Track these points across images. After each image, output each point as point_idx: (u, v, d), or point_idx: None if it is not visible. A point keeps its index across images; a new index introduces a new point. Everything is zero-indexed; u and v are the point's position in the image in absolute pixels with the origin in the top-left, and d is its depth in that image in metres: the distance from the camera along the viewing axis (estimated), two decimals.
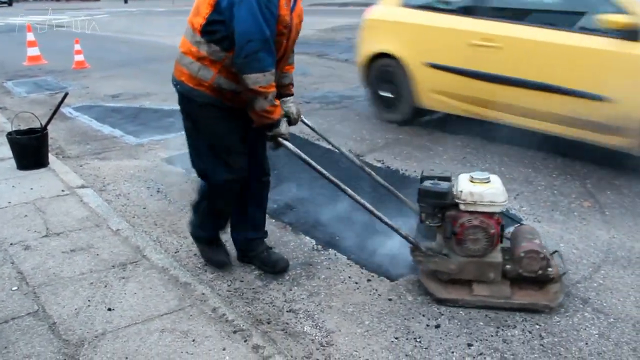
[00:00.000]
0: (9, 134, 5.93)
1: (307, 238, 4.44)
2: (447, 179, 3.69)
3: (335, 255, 4.18)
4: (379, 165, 6.03)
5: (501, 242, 3.50)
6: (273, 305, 3.58)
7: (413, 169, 5.84)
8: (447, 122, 7.54)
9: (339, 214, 4.82)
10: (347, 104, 8.89)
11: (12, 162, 5.91)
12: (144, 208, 5.07)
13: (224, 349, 3.02)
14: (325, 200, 5.13)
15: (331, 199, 5.13)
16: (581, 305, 3.51)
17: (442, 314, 3.46)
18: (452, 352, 3.12)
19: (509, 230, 4.07)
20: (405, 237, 3.62)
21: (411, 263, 3.97)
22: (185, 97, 3.52)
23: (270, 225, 4.64)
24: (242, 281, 3.86)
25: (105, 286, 3.63)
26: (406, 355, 3.10)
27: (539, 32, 5.60)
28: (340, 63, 12.76)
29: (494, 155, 6.17)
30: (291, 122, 3.92)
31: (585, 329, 3.30)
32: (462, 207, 3.43)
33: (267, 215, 4.83)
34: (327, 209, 4.93)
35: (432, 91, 6.78)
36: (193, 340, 3.08)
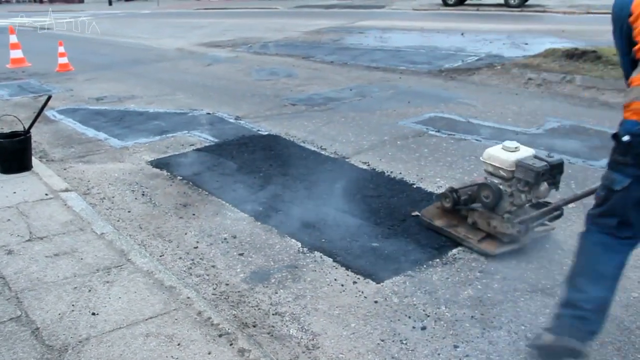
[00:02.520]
0: None
1: (293, 241, 4.44)
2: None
3: (321, 257, 4.18)
4: (364, 167, 6.05)
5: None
6: (259, 309, 3.57)
7: (399, 171, 5.86)
8: (431, 122, 7.57)
9: (325, 216, 4.82)
10: (332, 106, 8.90)
11: None
12: (129, 211, 5.04)
13: (209, 353, 3.00)
14: (311, 202, 5.14)
15: (317, 201, 5.15)
16: None
17: (428, 316, 3.46)
18: (439, 354, 3.13)
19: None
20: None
21: (396, 265, 3.99)
22: None
23: (255, 228, 4.64)
24: (227, 284, 3.84)
25: (90, 290, 3.59)
26: (392, 358, 3.10)
27: None
28: (326, 65, 12.76)
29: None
30: None
31: None
32: None
33: (252, 217, 4.84)
34: (313, 211, 4.94)
35: None
36: (178, 344, 3.06)
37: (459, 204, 4.48)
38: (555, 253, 4.19)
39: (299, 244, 4.37)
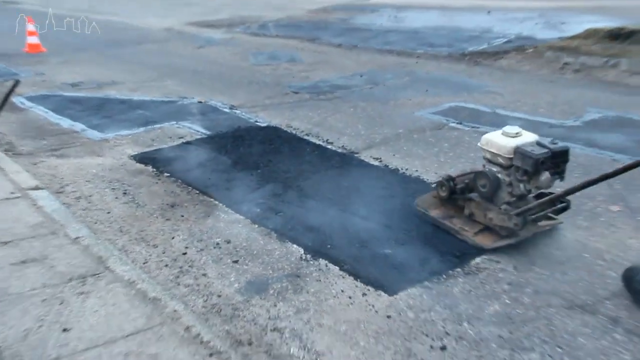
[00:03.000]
0: None
1: (295, 246, 4.41)
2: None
3: (327, 265, 4.15)
4: (375, 163, 6.02)
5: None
6: (255, 324, 3.54)
7: (414, 168, 5.83)
8: (452, 113, 7.53)
9: (331, 219, 4.80)
10: (340, 94, 8.87)
11: None
12: (108, 212, 5.03)
13: None
14: (315, 203, 5.12)
15: (322, 202, 5.12)
16: (611, 326, 3.48)
17: (449, 334, 3.42)
18: None
19: None
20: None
21: (412, 275, 3.97)
22: None
23: (252, 232, 4.62)
24: (219, 296, 3.81)
25: (61, 303, 3.56)
26: None
27: None
28: (333, 48, 12.75)
29: None
30: None
31: (615, 354, 3.27)
32: None
33: (248, 219, 4.82)
34: (317, 212, 4.91)
35: None
36: None
37: (455, 193, 4.62)
38: (596, 264, 4.14)
39: (302, 250, 4.35)
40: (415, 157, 6.15)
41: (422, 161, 6.02)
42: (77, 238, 4.35)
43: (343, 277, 4.01)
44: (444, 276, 4.01)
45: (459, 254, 4.26)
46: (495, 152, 4.37)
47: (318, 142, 6.68)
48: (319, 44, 13.35)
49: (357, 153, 6.32)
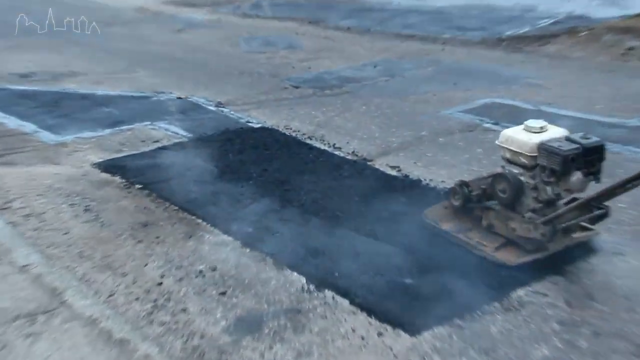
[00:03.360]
0: None
1: (295, 274, 4.39)
2: None
3: (334, 298, 4.13)
4: (393, 173, 6.01)
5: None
6: None
7: (440, 179, 5.81)
8: (486, 111, 7.51)
9: (340, 241, 4.79)
10: (350, 88, 8.88)
11: None
12: (66, 233, 5.01)
13: None
14: (320, 221, 5.10)
15: (328, 220, 5.11)
16: None
17: None
18: None
19: None
20: None
21: (439, 311, 3.94)
22: None
23: (243, 257, 4.62)
24: (203, 336, 3.79)
25: (3, 347, 3.54)
26: None
27: None
28: (341, 32, 12.79)
29: None
30: None
31: None
32: None
33: (238, 241, 4.80)
34: (322, 233, 4.91)
35: None
36: None
37: (470, 201, 4.66)
38: None
39: (303, 280, 4.33)
40: (442, 166, 6.13)
41: (450, 170, 6.00)
42: (25, 266, 4.35)
43: (354, 313, 3.99)
44: (479, 312, 3.97)
45: (496, 285, 4.22)
46: (517, 150, 4.43)
47: (323, 147, 6.68)
48: (324, 28, 13.39)
49: (370, 160, 6.32)
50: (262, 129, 7.28)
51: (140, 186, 5.82)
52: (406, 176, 5.93)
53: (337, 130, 7.18)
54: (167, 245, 4.80)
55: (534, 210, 4.38)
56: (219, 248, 4.75)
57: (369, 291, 4.18)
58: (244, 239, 4.85)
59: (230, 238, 4.88)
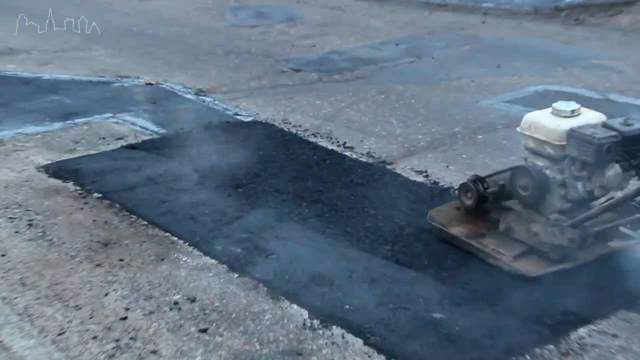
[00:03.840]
0: None
1: (295, 307, 4.41)
2: None
3: (343, 337, 4.15)
4: (419, 179, 6.05)
5: None
6: None
7: None
8: (539, 100, 7.52)
9: (351, 264, 4.81)
10: (365, 72, 8.89)
11: None
12: (3, 255, 5.03)
13: None
14: (326, 239, 5.13)
15: (336, 237, 5.14)
16: None
17: None
18: None
19: None
20: None
21: (476, 353, 3.95)
22: None
23: (229, 284, 4.62)
24: None
25: None
26: None
27: None
28: (353, 2, 12.78)
29: None
30: None
31: None
32: None
33: (223, 265, 4.81)
34: (328, 254, 4.94)
35: None
36: None
37: (486, 200, 4.78)
38: None
39: (305, 313, 4.35)
40: (481, 171, 6.10)
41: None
42: None
43: (369, 356, 4.00)
44: (528, 356, 3.98)
45: (550, 322, 4.23)
46: (542, 138, 4.53)
47: (331, 147, 6.72)
48: None
49: (390, 163, 6.36)
50: (254, 123, 7.33)
51: (99, 195, 5.85)
52: (435, 183, 5.97)
53: (348, 126, 7.22)
54: (134, 269, 4.81)
55: (561, 212, 4.47)
56: (199, 273, 4.76)
57: (387, 328, 4.20)
58: (230, 262, 4.87)
59: (213, 261, 4.90)
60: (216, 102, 7.96)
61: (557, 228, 4.40)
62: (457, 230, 4.83)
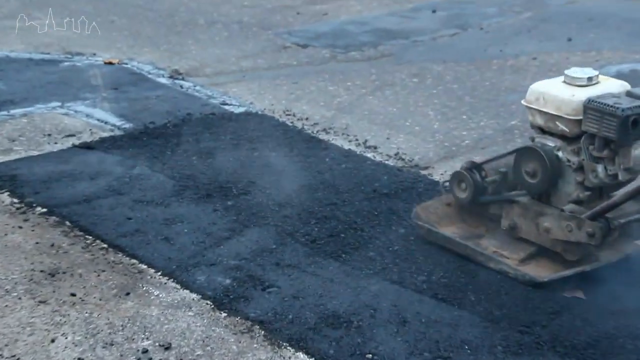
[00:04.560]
0: None
1: (301, 356, 4.41)
2: None
3: None
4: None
5: None
6: None
7: None
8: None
9: (372, 298, 4.82)
10: (392, 48, 8.91)
11: None
12: None
13: None
14: (341, 267, 5.16)
15: (354, 265, 5.17)
16: None
17: None
18: None
19: None
20: None
21: None
22: None
23: (215, 326, 4.61)
24: None
25: None
26: None
27: None
28: None
29: None
30: None
31: None
32: None
33: (207, 301, 4.82)
34: (344, 286, 4.95)
35: None
36: None
37: (484, 192, 4.95)
38: None
39: None
40: None
41: None
42: None
43: None
44: None
45: None
46: (553, 112, 4.68)
47: (347, 146, 6.76)
48: None
49: (425, 168, 6.40)
50: (247, 115, 7.37)
51: (43, 210, 5.87)
52: None
53: (370, 119, 7.25)
54: (90, 307, 4.81)
55: (578, 202, 4.59)
56: (175, 312, 4.76)
57: None
58: (216, 297, 4.87)
59: (194, 295, 4.91)
60: (197, 87, 7.98)
61: (573, 222, 4.51)
62: (449, 231, 5.02)
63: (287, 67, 8.45)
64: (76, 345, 4.49)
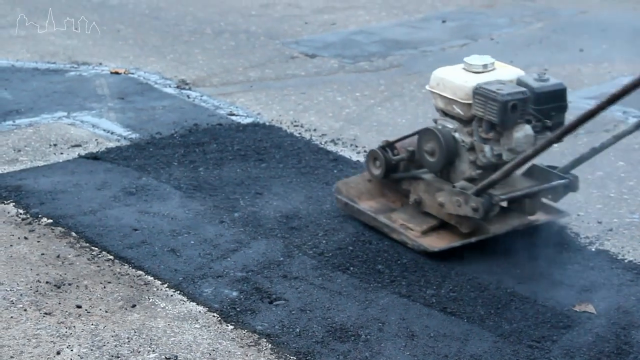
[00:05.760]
0: None
1: None
2: None
3: None
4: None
5: None
6: None
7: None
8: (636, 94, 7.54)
9: (381, 312, 4.82)
10: (401, 59, 8.90)
11: None
12: None
13: None
14: (349, 280, 5.16)
15: (361, 278, 5.17)
16: None
17: None
18: None
19: None
20: None
21: None
22: None
23: (221, 339, 4.61)
24: None
25: None
26: None
27: None
28: None
29: None
30: None
31: None
32: None
33: (214, 314, 4.82)
34: (352, 300, 4.95)
35: None
36: None
37: (396, 169, 5.60)
38: None
39: None
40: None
41: (569, 198, 5.97)
42: None
43: None
44: None
45: None
46: (450, 97, 5.29)
47: (356, 158, 6.77)
48: None
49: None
50: (254, 126, 7.38)
51: (49, 221, 5.88)
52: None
53: (379, 130, 7.25)
54: (95, 319, 4.82)
55: (471, 180, 5.07)
56: (181, 324, 4.77)
57: None
58: (223, 310, 4.88)
59: (200, 308, 4.92)
60: (204, 97, 7.99)
61: (461, 197, 5.07)
62: (368, 205, 5.49)
63: (295, 78, 8.46)
64: (82, 358, 4.50)
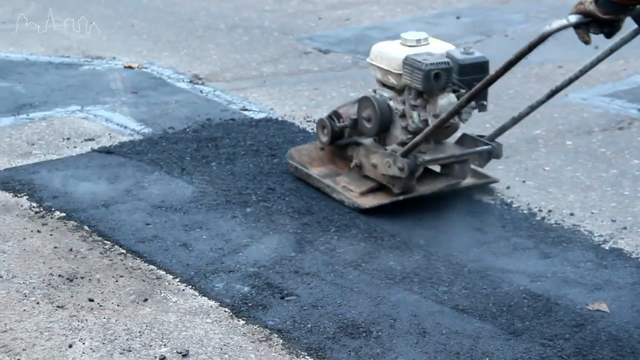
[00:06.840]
0: None
1: None
2: None
3: None
4: (485, 199, 6.08)
5: None
6: None
7: (568, 210, 5.88)
8: None
9: (392, 308, 4.82)
10: None
11: None
12: None
13: None
14: (360, 275, 5.16)
15: (371, 274, 5.17)
16: None
17: None
18: None
19: None
20: None
21: None
22: None
23: (233, 334, 4.61)
24: None
25: None
26: None
27: None
28: None
29: None
30: None
31: None
32: None
33: (225, 309, 4.82)
34: (363, 295, 4.95)
35: None
36: None
37: (341, 136, 6.13)
38: None
39: None
40: (569, 188, 6.17)
41: (584, 196, 6.01)
42: None
43: None
44: None
45: None
46: (385, 68, 5.82)
47: None
48: None
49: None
50: (267, 121, 7.39)
51: (62, 214, 5.89)
52: (507, 205, 6.01)
53: None
54: (107, 313, 4.83)
55: (403, 144, 5.49)
56: (193, 319, 4.77)
57: None
58: (235, 305, 4.88)
59: (212, 303, 4.92)
60: (217, 92, 8.00)
61: (390, 158, 5.61)
62: (317, 171, 5.94)
63: (308, 73, 8.45)
64: (93, 351, 4.51)
